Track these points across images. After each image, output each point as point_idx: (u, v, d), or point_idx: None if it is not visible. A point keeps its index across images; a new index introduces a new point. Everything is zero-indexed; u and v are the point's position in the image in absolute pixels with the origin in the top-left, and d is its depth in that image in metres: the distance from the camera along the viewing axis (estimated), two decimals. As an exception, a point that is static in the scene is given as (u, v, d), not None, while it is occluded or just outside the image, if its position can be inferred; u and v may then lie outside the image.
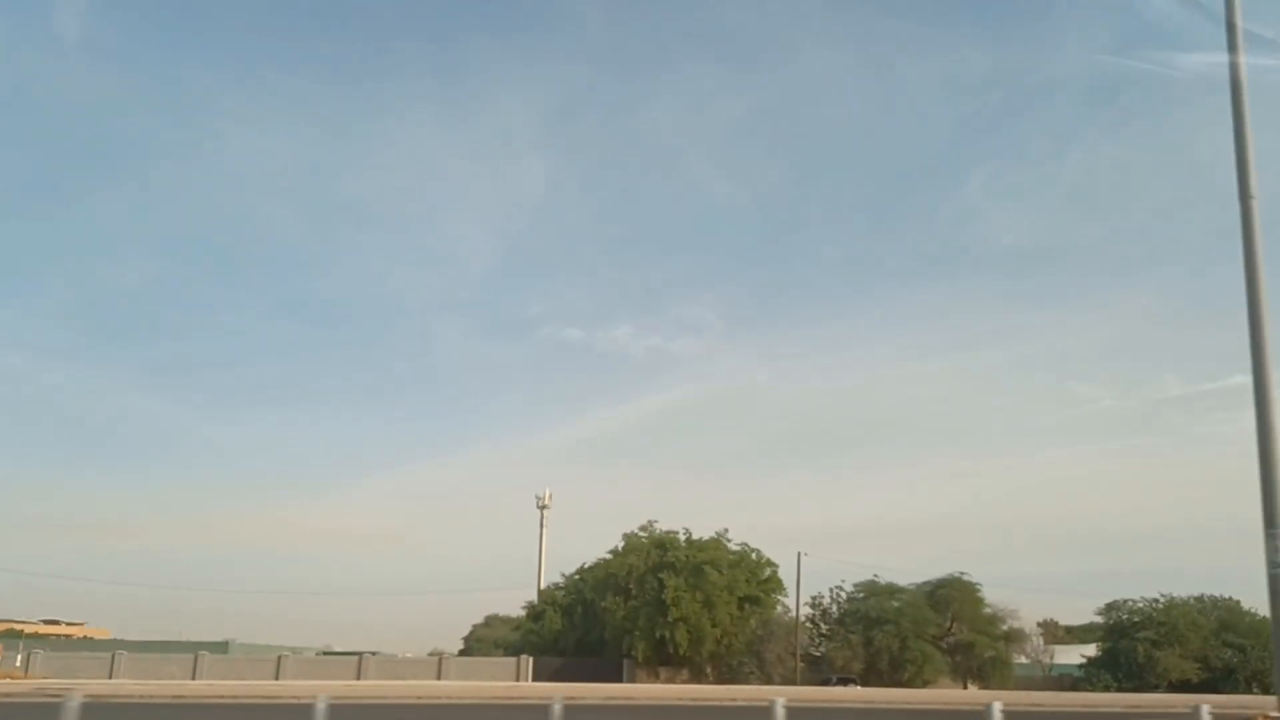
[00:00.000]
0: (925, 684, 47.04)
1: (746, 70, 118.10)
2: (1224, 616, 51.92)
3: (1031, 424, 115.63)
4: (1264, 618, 52.91)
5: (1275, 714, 12.06)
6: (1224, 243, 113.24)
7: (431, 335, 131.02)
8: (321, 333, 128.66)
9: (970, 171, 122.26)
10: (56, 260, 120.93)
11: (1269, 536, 10.99)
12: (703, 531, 54.46)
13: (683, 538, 54.20)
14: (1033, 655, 53.91)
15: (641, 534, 55.07)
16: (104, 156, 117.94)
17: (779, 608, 53.74)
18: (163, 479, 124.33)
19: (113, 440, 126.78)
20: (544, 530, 73.11)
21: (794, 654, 48.92)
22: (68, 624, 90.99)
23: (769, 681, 47.27)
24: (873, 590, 50.76)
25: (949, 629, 49.47)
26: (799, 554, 52.34)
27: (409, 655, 67.85)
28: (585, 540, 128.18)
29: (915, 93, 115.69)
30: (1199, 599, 53.47)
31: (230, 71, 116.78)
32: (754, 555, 54.92)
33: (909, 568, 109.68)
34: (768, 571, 54.56)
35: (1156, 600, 52.77)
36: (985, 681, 48.87)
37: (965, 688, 50.78)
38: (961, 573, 51.36)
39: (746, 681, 47.46)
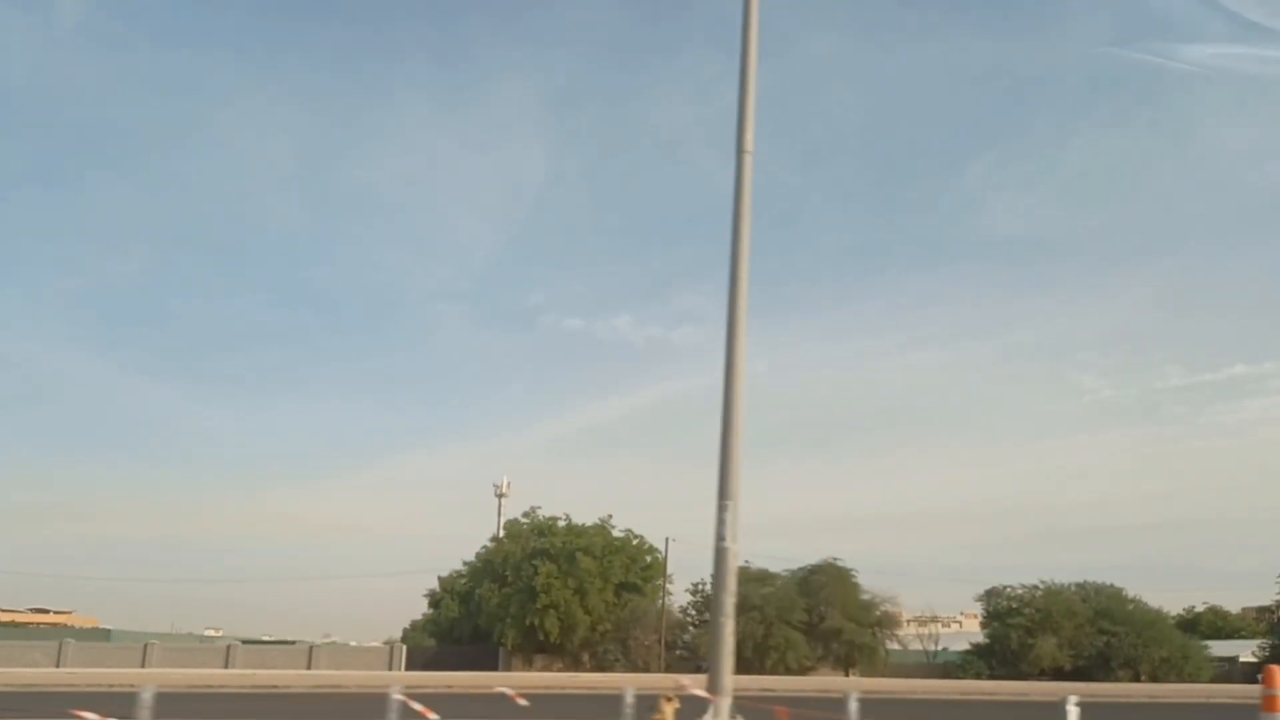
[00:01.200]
0: (804, 671, 46.64)
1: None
2: (1104, 604, 51.52)
3: (1031, 414, 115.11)
4: (1148, 605, 52.82)
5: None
6: (1226, 232, 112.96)
7: (431, 324, 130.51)
8: (320, 321, 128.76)
9: (972, 160, 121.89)
10: (54, 248, 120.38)
11: (720, 509, 10.54)
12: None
13: (563, 524, 53.89)
14: (907, 643, 53.38)
15: (524, 520, 54.78)
16: (101, 143, 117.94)
17: (671, 595, 53.61)
18: (158, 467, 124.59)
19: (109, 428, 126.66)
20: (501, 519, 72.35)
21: (662, 642, 48.53)
22: (56, 612, 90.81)
23: (635, 670, 46.88)
24: (745, 577, 50.28)
25: (821, 616, 49.01)
26: (667, 539, 52.28)
27: (354, 644, 67.78)
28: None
29: (917, 81, 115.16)
30: (1081, 586, 53.09)
31: (229, 58, 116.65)
32: (635, 542, 54.67)
33: (909, 557, 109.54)
34: (649, 559, 54.36)
35: (1036, 587, 52.47)
36: (853, 668, 48.52)
37: (847, 675, 50.58)
38: (835, 558, 51.08)
39: (611, 669, 47.09)
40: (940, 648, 57.50)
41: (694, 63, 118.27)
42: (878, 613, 50.67)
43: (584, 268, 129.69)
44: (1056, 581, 52.67)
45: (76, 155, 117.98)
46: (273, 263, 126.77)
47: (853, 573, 50.84)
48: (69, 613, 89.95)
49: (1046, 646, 49.02)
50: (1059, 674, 48.43)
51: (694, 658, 48.35)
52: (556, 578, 49.77)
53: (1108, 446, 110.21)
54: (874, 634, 49.43)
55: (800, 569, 51.31)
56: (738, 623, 42.16)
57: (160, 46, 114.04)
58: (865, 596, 51.15)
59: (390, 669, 50.04)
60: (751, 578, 50.26)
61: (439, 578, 64.18)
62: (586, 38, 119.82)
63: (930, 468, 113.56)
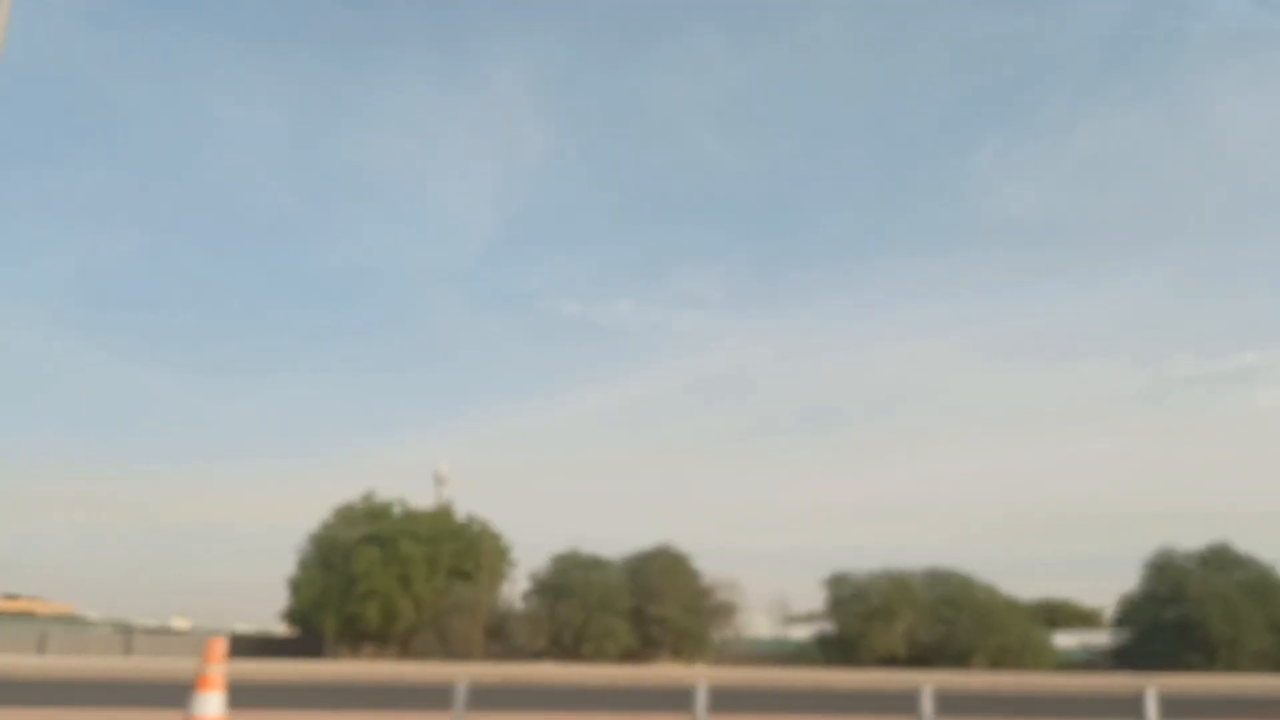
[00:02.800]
0: (628, 659, 45.08)
1: (751, 38, 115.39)
2: (949, 592, 50.08)
3: (1040, 401, 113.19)
4: (1001, 594, 51.40)
5: None
6: (1238, 216, 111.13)
7: (428, 308, 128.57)
8: (313, 304, 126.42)
9: (980, 144, 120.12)
10: (42, 229, 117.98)
11: None
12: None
13: (398, 510, 52.26)
14: (740, 629, 51.67)
15: (357, 505, 53.03)
16: (94, 125, 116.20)
17: (514, 582, 52.14)
18: (148, 452, 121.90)
19: (99, 413, 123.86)
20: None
21: (482, 630, 46.87)
22: (28, 598, 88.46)
23: (452, 659, 45.29)
24: (575, 563, 48.77)
25: (649, 603, 47.41)
26: (484, 526, 50.70)
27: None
28: (576, 522, 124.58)
29: (925, 62, 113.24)
30: (930, 572, 51.66)
31: (223, 39, 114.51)
32: (476, 529, 53.09)
33: (910, 547, 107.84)
34: (491, 546, 52.80)
35: (882, 574, 50.98)
36: (678, 656, 46.98)
37: (688, 664, 49.12)
38: (668, 543, 49.56)
39: (427, 658, 45.48)
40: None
41: (695, 43, 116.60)
42: (714, 600, 49.12)
43: (583, 251, 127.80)
44: (904, 568, 51.29)
45: (66, 136, 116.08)
46: (267, 245, 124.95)
47: (686, 558, 49.39)
48: (38, 599, 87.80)
49: (882, 634, 47.60)
50: (894, 662, 47.04)
51: (518, 648, 46.80)
52: (379, 564, 48.09)
53: (1117, 434, 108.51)
54: (703, 621, 47.84)
55: (635, 555, 49.74)
56: (558, 609, 40.67)
57: (154, 27, 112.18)
58: (705, 584, 49.74)
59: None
60: (580, 564, 48.79)
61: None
62: (584, 18, 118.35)
63: (934, 456, 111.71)
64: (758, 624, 54.56)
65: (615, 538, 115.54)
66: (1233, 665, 45.75)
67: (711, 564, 51.10)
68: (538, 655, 45.80)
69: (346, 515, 52.42)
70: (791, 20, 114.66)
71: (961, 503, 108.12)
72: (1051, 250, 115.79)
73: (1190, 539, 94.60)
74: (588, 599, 45.68)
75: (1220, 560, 51.74)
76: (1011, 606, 50.61)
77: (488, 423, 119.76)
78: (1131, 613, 50.93)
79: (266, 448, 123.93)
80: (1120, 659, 50.33)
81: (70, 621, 71.11)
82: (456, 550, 50.60)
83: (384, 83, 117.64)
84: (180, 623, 79.51)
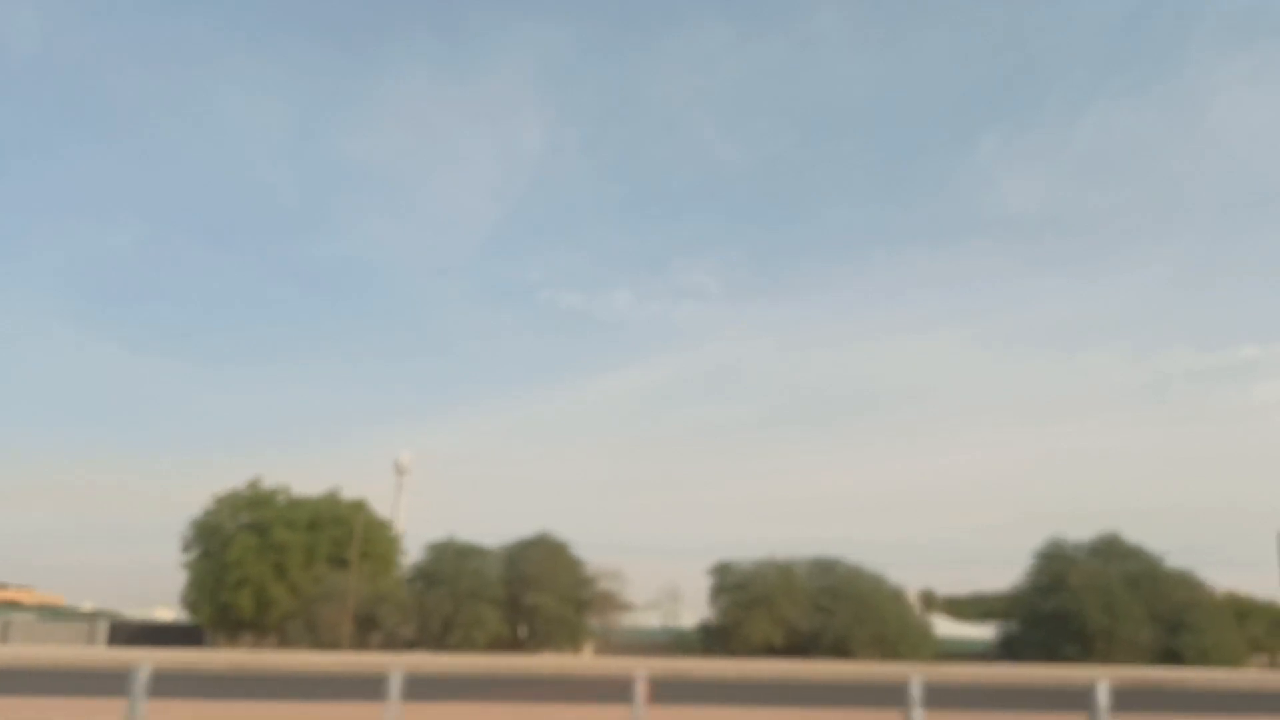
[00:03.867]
0: (499, 648, 44.80)
1: (753, 30, 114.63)
2: (833, 581, 49.68)
3: (1039, 394, 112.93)
4: (886, 583, 51.08)
5: None
6: (1239, 210, 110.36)
7: (427, 298, 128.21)
8: (313, 295, 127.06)
9: (981, 137, 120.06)
10: (44, 220, 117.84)
11: None
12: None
13: (282, 498, 51.85)
14: (615, 620, 51.16)
15: (241, 491, 52.61)
16: (94, 115, 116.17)
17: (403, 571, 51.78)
18: (147, 443, 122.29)
19: (98, 403, 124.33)
20: (401, 497, 69.27)
21: (350, 619, 46.53)
22: (17, 588, 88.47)
23: (320, 647, 45.05)
24: (451, 551, 48.43)
25: (525, 591, 47.02)
26: (362, 517, 50.24)
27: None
28: (569, 513, 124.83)
29: (927, 55, 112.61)
30: (817, 562, 51.24)
31: (224, 29, 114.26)
32: (363, 516, 52.68)
33: (908, 539, 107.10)
34: (379, 534, 52.50)
35: (767, 562, 50.58)
36: (551, 645, 46.67)
37: (579, 653, 48.93)
38: (547, 532, 49.19)
39: (295, 647, 45.24)
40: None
41: (697, 34, 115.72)
42: (594, 590, 48.75)
43: (583, 242, 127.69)
44: (789, 557, 50.90)
45: (68, 126, 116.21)
46: (267, 236, 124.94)
47: (565, 546, 49.03)
48: (29, 589, 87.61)
49: (758, 623, 47.23)
50: (770, 651, 46.73)
51: (387, 637, 46.53)
52: (254, 552, 47.77)
53: (1114, 428, 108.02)
54: (579, 611, 47.49)
55: (516, 542, 49.39)
56: (426, 598, 40.23)
57: (156, 17, 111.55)
58: (588, 573, 49.40)
59: (91, 645, 48.20)
60: (456, 552, 48.48)
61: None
62: (586, 9, 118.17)
63: (935, 448, 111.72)
64: (683, 614, 53.96)
65: (605, 527, 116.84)
66: (1109, 656, 45.40)
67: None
68: (410, 644, 45.56)
69: (229, 502, 52.02)
70: (794, 12, 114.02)
71: (958, 496, 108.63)
72: (1052, 243, 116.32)
73: (1187, 535, 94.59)
74: (457, 587, 45.35)
75: (1110, 551, 51.35)
76: (896, 596, 50.30)
77: (486, 413, 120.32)
78: (1016, 603, 50.58)
79: (265, 438, 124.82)
80: (1005, 649, 50.05)
81: (55, 612, 70.64)
82: (337, 538, 50.20)
83: (385, 73, 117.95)
84: (164, 613, 79.47)
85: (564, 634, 46.51)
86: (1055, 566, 49.90)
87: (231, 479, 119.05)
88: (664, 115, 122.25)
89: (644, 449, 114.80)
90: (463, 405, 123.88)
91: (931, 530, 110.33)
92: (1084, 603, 46.66)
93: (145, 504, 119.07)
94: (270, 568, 47.86)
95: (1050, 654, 46.58)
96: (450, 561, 47.10)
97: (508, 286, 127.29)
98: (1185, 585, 49.61)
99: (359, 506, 52.94)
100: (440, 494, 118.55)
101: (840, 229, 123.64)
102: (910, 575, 76.91)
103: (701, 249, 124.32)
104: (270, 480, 52.65)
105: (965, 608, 69.19)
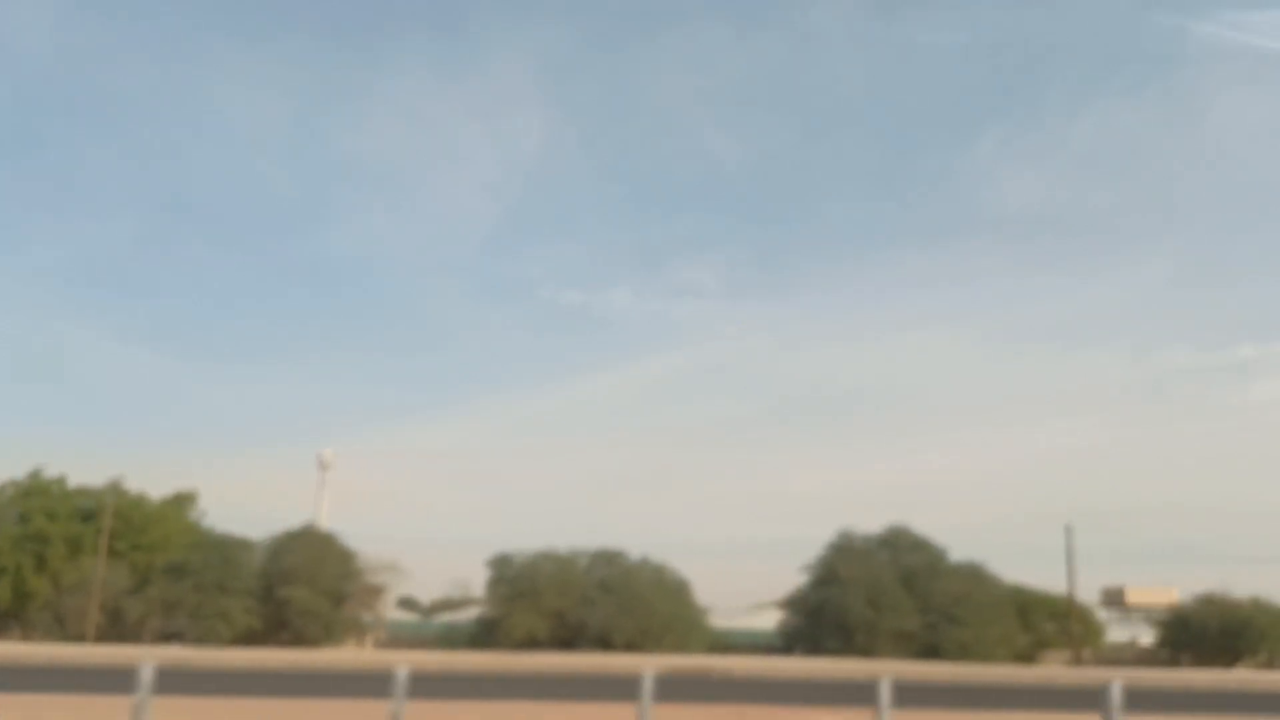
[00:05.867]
0: (241, 641, 43.82)
1: (752, 27, 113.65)
2: (610, 574, 48.98)
3: (1036, 393, 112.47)
4: (671, 575, 50.43)
5: None
6: (1238, 209, 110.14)
7: (426, 296, 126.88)
8: (310, 292, 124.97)
9: (980, 135, 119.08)
10: (40, 215, 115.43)
11: None
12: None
13: (56, 488, 50.77)
14: (383, 616, 50.35)
15: (20, 481, 51.48)
16: (91, 110, 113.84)
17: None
18: (142, 439, 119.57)
19: (95, 398, 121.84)
20: (324, 494, 68.05)
21: (97, 610, 45.49)
22: None
23: (66, 640, 44.07)
24: (208, 543, 47.53)
25: (281, 585, 46.07)
26: (152, 509, 49.24)
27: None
28: (563, 510, 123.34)
29: (926, 52, 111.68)
30: (599, 553, 50.53)
31: (220, 24, 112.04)
32: (147, 509, 51.73)
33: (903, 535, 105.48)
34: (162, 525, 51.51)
35: (546, 555, 49.84)
36: (304, 639, 45.72)
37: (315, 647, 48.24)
38: (310, 524, 48.29)
39: (41, 639, 44.25)
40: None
41: (693, 31, 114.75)
42: (359, 583, 47.88)
43: (582, 240, 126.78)
44: (569, 549, 50.24)
45: (65, 121, 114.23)
46: (264, 232, 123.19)
47: (333, 538, 48.18)
48: None
49: (524, 616, 46.45)
50: (534, 644, 45.98)
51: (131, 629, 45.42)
52: (11, 542, 46.76)
53: (1111, 426, 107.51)
54: (336, 604, 46.57)
55: (284, 534, 48.47)
56: (171, 591, 38.80)
57: (153, 12, 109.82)
58: (359, 565, 48.56)
59: None
60: (213, 545, 47.61)
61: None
62: (585, 6, 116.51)
63: (933, 446, 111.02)
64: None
65: (603, 526, 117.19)
66: (869, 648, 44.90)
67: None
68: (160, 638, 44.58)
69: (2, 492, 50.95)
70: (793, 10, 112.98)
71: (956, 494, 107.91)
72: (1051, 242, 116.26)
73: (1182, 533, 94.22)
74: (204, 580, 44.41)
75: (898, 543, 50.91)
76: (678, 589, 49.64)
77: (484, 410, 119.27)
78: (794, 596, 50.05)
79: (262, 435, 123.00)
80: (784, 642, 49.56)
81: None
82: (116, 530, 49.09)
83: (384, 70, 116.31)
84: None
85: (318, 627, 45.54)
86: (828, 560, 49.45)
87: (230, 477, 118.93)
88: (663, 112, 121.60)
89: (642, 446, 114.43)
90: (460, 402, 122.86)
91: (930, 529, 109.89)
92: (849, 595, 46.14)
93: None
94: (31, 558, 46.86)
95: (814, 647, 46.12)
96: (202, 554, 46.11)
97: (506, 284, 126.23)
98: (967, 579, 49.18)
99: (140, 500, 52.00)
100: (438, 491, 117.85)
101: (839, 227, 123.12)
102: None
103: (701, 246, 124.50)
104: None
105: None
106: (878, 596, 46.27)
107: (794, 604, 49.68)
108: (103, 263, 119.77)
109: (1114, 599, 58.59)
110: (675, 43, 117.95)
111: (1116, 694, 12.03)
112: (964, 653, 44.30)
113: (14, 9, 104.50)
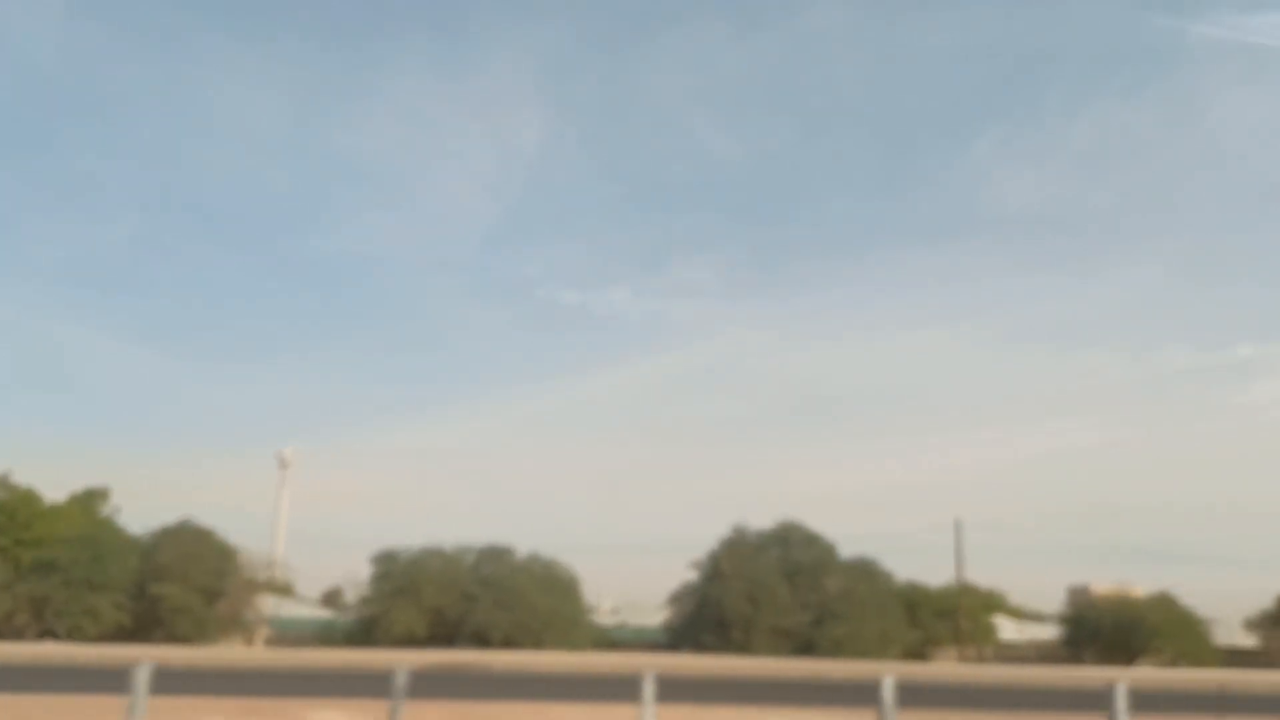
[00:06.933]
0: (99, 638, 43.34)
1: (751, 27, 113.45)
2: (497, 571, 48.49)
3: (1035, 392, 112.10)
4: (563, 572, 49.97)
5: None
6: (1236, 209, 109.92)
7: (425, 296, 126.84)
8: (309, 290, 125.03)
9: (979, 134, 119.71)
10: (40, 214, 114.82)
11: None
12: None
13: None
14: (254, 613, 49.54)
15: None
16: (90, 110, 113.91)
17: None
18: (141, 438, 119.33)
19: (95, 397, 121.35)
20: (284, 491, 67.50)
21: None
22: None
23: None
24: (83, 540, 46.92)
25: (155, 581, 45.55)
26: (43, 505, 48.69)
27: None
28: (562, 509, 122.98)
29: (925, 52, 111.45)
30: (487, 549, 50.02)
31: (220, 24, 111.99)
32: (36, 505, 51.18)
33: (905, 535, 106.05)
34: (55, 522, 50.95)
35: (432, 552, 49.37)
36: (175, 636, 45.18)
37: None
38: (188, 519, 47.84)
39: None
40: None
41: (692, 30, 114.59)
42: (235, 580, 47.35)
43: (581, 239, 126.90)
44: (456, 545, 49.78)
45: (64, 120, 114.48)
46: (263, 231, 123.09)
47: (211, 533, 47.71)
48: None
49: (402, 613, 45.99)
50: (412, 641, 45.53)
51: None
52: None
53: (1113, 425, 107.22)
54: (208, 601, 46.05)
55: (156, 532, 47.97)
56: (39, 587, 37.81)
57: (152, 11, 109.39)
58: (241, 562, 48.10)
59: None
60: (106, 541, 47.19)
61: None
62: (584, 7, 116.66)
63: (932, 445, 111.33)
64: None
65: (603, 525, 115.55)
66: (746, 645, 44.53)
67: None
68: (17, 633, 44.07)
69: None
70: (791, 8, 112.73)
71: (954, 493, 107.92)
72: (1050, 241, 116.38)
73: (1179, 532, 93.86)
74: (71, 576, 43.91)
75: (790, 538, 50.55)
76: (567, 586, 49.18)
77: (483, 409, 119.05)
78: (680, 592, 49.66)
79: (260, 433, 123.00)
80: (668, 638, 49.19)
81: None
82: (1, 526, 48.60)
83: (383, 69, 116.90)
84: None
85: (189, 624, 45.04)
86: (726, 555, 49.01)
87: (228, 475, 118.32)
88: (661, 111, 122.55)
89: (640, 445, 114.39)
90: (460, 401, 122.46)
91: (929, 528, 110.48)
92: (729, 592, 45.76)
93: (136, 498, 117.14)
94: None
95: (695, 643, 45.74)
96: (71, 551, 45.52)
97: (505, 283, 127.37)
98: (856, 575, 48.85)
99: (28, 494, 51.42)
100: (438, 490, 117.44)
101: (838, 226, 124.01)
102: (908, 572, 74.65)
103: (699, 245, 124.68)
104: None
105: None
106: (758, 593, 45.90)
107: (679, 600, 49.26)
108: (103, 263, 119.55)
109: (1079, 597, 58.33)
110: (674, 43, 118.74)
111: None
112: (839, 649, 43.92)
113: (15, 10, 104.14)
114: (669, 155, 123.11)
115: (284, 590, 51.61)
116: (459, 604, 46.55)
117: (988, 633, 52.04)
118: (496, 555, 49.72)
